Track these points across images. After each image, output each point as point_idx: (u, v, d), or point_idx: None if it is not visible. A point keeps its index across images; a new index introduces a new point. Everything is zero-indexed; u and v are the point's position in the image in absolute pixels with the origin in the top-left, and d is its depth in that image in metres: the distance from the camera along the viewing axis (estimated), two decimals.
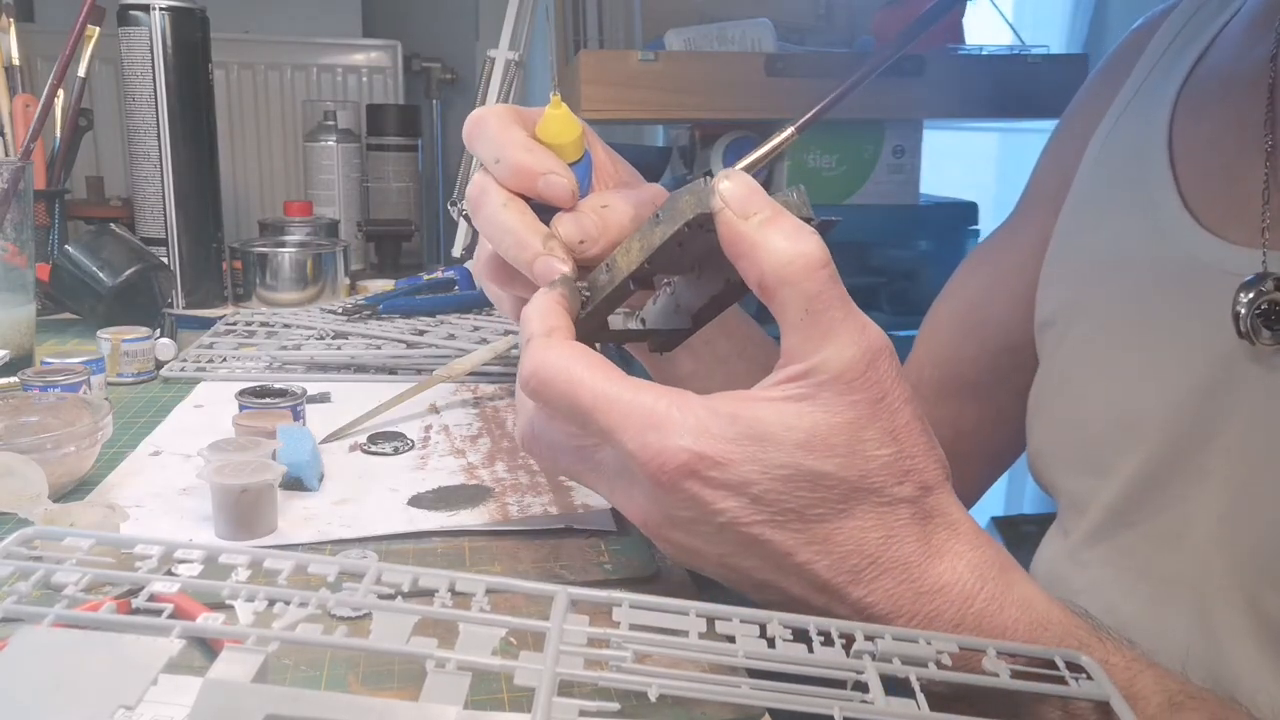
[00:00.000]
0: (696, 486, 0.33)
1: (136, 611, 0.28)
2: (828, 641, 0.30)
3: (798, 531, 0.33)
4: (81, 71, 1.00)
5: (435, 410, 0.68)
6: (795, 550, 0.34)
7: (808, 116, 0.45)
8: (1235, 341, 0.44)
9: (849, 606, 0.34)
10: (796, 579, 0.34)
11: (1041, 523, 0.57)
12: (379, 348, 0.80)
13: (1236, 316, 0.44)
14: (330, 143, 1.34)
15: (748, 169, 0.43)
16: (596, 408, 0.33)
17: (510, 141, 0.40)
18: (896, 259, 1.34)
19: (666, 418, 0.33)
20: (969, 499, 0.73)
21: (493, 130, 0.41)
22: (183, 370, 0.74)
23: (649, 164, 1.45)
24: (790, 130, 0.44)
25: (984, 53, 1.22)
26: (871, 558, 0.34)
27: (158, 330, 0.78)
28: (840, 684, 0.29)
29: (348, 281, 1.07)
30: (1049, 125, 0.66)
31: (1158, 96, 0.53)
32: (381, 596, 0.29)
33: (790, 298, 0.33)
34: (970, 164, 1.86)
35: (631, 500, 0.36)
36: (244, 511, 0.46)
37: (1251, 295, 0.43)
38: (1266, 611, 0.42)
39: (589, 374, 0.34)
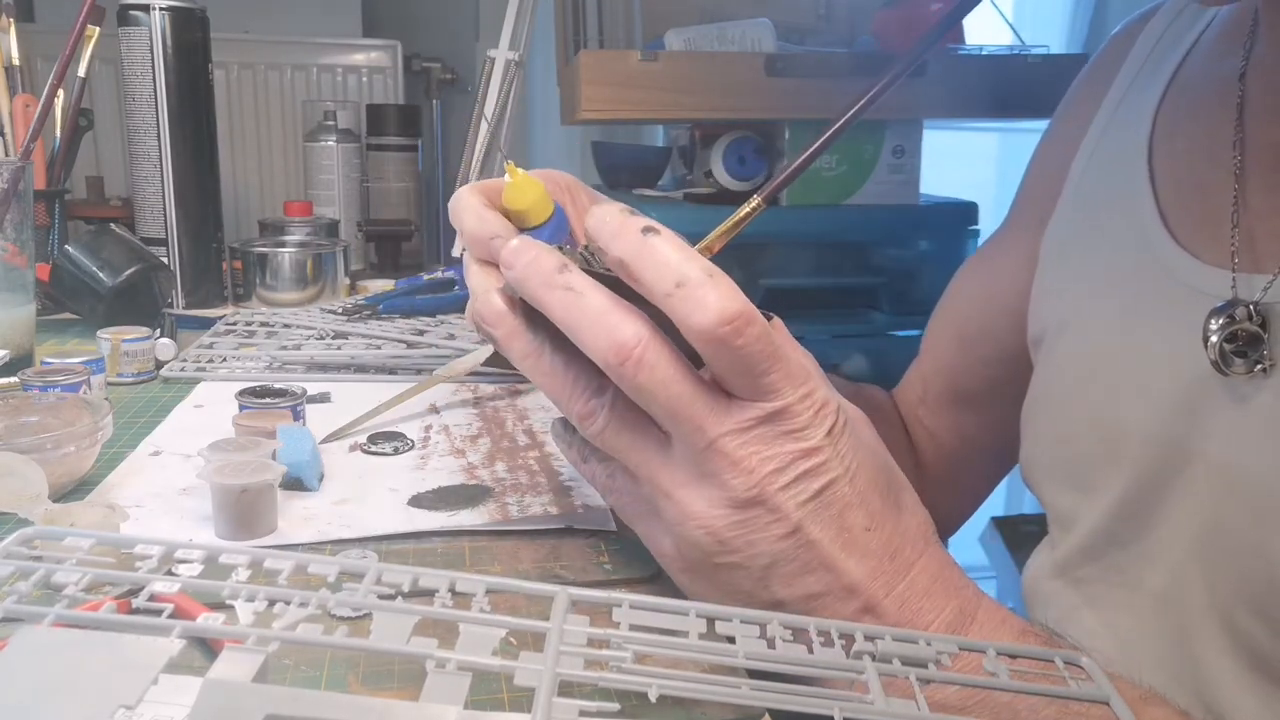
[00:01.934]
0: (847, 438, 0.36)
1: (136, 611, 0.28)
2: (828, 642, 0.30)
3: (880, 507, 0.37)
4: (81, 71, 1.00)
5: (435, 410, 0.68)
6: (878, 523, 0.36)
7: (776, 182, 0.44)
8: (1208, 367, 0.43)
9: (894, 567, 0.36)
10: (859, 559, 0.36)
11: (1042, 523, 0.57)
12: (379, 348, 0.80)
13: (1207, 343, 0.43)
14: (330, 143, 1.34)
15: (722, 236, 0.43)
16: (785, 349, 0.35)
17: (466, 211, 0.42)
18: (896, 259, 1.34)
19: (815, 372, 0.36)
20: (974, 501, 0.74)
21: (458, 205, 0.42)
22: (183, 370, 0.74)
23: (649, 164, 1.45)
24: (757, 200, 0.43)
25: (984, 53, 1.22)
26: (927, 534, 0.38)
27: (158, 330, 0.78)
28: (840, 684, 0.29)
29: (348, 281, 1.07)
30: (1039, 140, 0.66)
31: (1139, 108, 0.53)
32: (381, 596, 0.29)
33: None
34: (970, 164, 1.87)
35: (715, 476, 0.35)
36: (244, 511, 0.46)
37: (1221, 322, 0.43)
38: (1242, 631, 0.43)
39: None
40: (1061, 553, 0.53)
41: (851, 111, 0.44)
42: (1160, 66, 0.54)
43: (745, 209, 0.43)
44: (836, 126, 0.44)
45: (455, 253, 1.10)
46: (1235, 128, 0.47)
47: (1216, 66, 0.50)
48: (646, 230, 0.34)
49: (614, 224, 0.35)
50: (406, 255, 1.38)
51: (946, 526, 0.75)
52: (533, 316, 0.38)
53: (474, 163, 1.08)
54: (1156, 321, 0.47)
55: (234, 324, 0.88)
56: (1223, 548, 0.43)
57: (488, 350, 0.69)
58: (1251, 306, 0.42)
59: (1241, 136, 0.47)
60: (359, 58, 1.55)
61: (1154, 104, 0.52)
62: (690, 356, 0.35)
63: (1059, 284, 0.56)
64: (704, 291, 0.33)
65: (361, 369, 0.76)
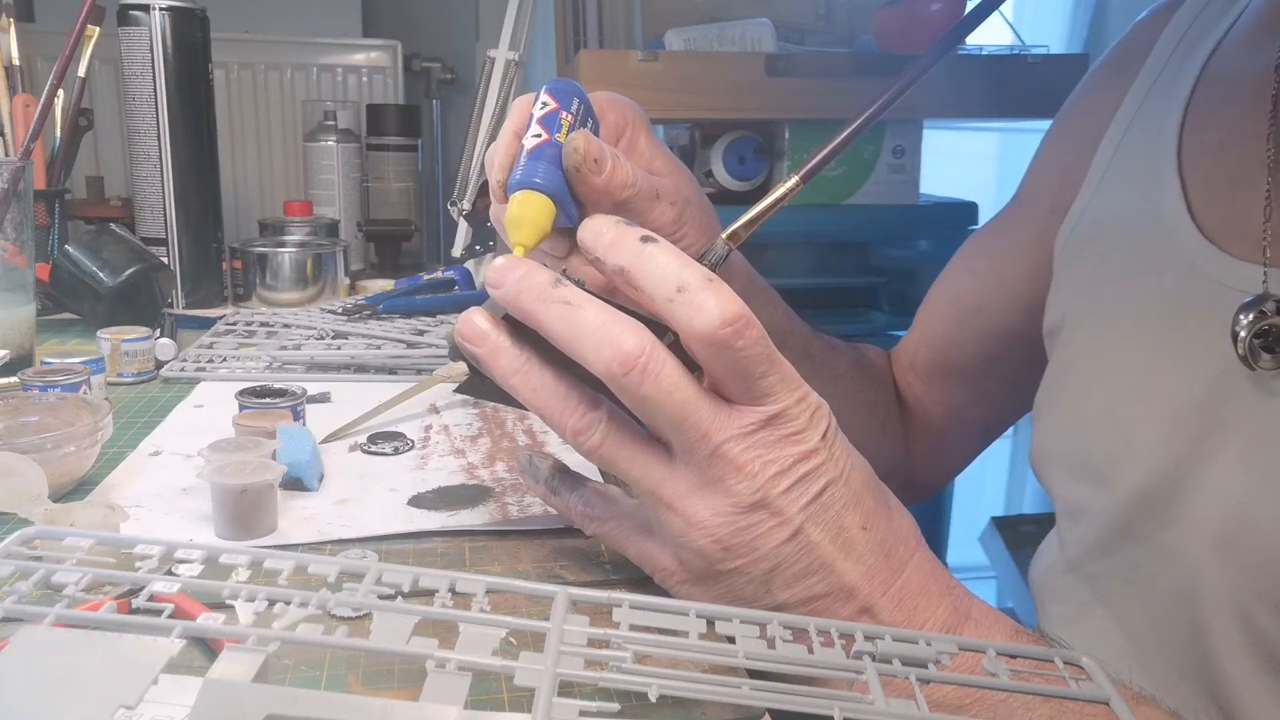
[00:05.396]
0: (840, 441, 0.37)
1: (136, 611, 0.28)
2: (828, 642, 0.30)
3: (873, 508, 0.37)
4: (81, 71, 1.00)
5: (435, 410, 0.68)
6: (873, 523, 0.37)
7: (815, 161, 0.43)
8: (1234, 361, 0.43)
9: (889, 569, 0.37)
10: (857, 559, 0.36)
11: (1041, 523, 0.57)
12: (379, 348, 0.80)
13: (1236, 338, 0.43)
14: (330, 143, 1.34)
15: (751, 223, 0.42)
16: (778, 353, 0.35)
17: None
18: (896, 259, 1.34)
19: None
20: (954, 470, 0.77)
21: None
22: (183, 370, 0.74)
23: None
24: (795, 180, 0.43)
25: (984, 53, 1.22)
26: (916, 534, 0.38)
27: (158, 330, 0.78)
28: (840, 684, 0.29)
29: (348, 281, 1.07)
30: (1049, 125, 0.66)
31: (1168, 100, 0.52)
32: (381, 596, 0.29)
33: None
34: (970, 164, 1.86)
35: (719, 482, 0.35)
36: (244, 511, 0.46)
37: (1252, 317, 0.43)
38: (1261, 629, 0.42)
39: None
40: (1073, 548, 0.53)
41: (896, 88, 0.44)
42: (1190, 57, 0.53)
43: (782, 189, 0.42)
44: (880, 104, 0.44)
45: (456, 252, 1.10)
46: (1270, 120, 0.46)
47: (1250, 58, 0.49)
48: (644, 239, 0.35)
49: (611, 234, 0.36)
50: (406, 255, 1.38)
51: (925, 491, 0.76)
52: (517, 334, 0.37)
53: (474, 163, 1.08)
54: (1179, 315, 0.47)
55: (234, 324, 0.88)
56: (1245, 545, 0.43)
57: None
58: None
59: (1276, 129, 0.46)
60: (359, 58, 1.55)
61: (1184, 96, 0.51)
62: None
63: (1079, 275, 0.55)
64: (705, 296, 0.33)
65: (361, 369, 0.76)
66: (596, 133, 0.44)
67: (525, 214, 0.39)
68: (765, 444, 0.35)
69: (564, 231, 0.42)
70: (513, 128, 0.43)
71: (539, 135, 0.41)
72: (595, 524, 0.41)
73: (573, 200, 0.41)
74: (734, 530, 0.35)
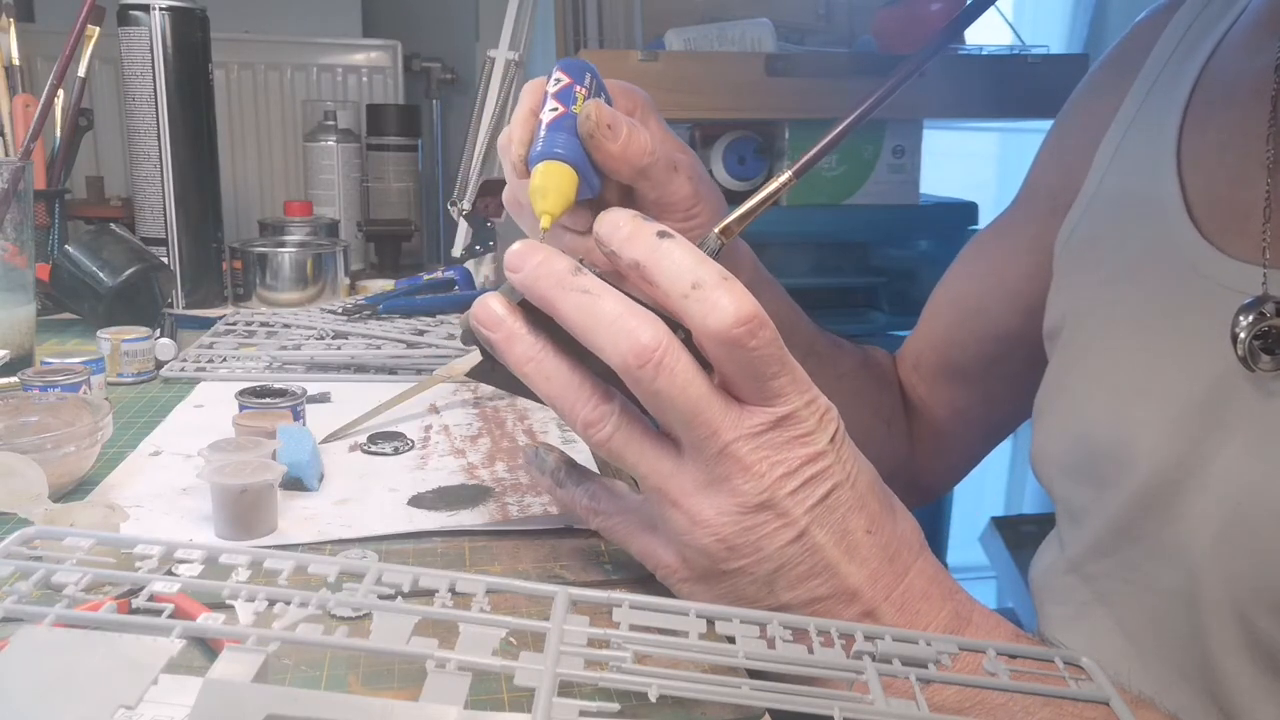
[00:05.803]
0: (848, 444, 0.37)
1: (136, 611, 0.28)
2: (828, 642, 0.30)
3: (878, 512, 0.37)
4: (81, 71, 1.00)
5: (435, 410, 0.68)
6: (878, 527, 0.37)
7: (809, 156, 0.43)
8: (1234, 362, 0.43)
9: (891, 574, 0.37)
10: (861, 562, 0.36)
11: (1041, 523, 0.58)
12: (379, 348, 0.80)
13: (1235, 339, 0.43)
14: (330, 143, 1.34)
15: (744, 217, 0.42)
16: (790, 354, 0.35)
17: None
18: (896, 259, 1.34)
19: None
20: (960, 472, 0.77)
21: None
22: (183, 370, 0.74)
23: None
24: (788, 175, 0.43)
25: (984, 53, 1.22)
26: (920, 539, 0.38)
27: (158, 330, 0.78)
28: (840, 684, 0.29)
29: (348, 281, 1.07)
30: (1049, 125, 0.66)
31: (1168, 100, 0.52)
32: (381, 596, 0.29)
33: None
34: (970, 164, 1.86)
35: (726, 481, 0.35)
36: (244, 511, 0.46)
37: (1251, 319, 0.43)
38: (1260, 630, 0.42)
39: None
40: (1073, 548, 0.53)
41: (891, 83, 0.44)
42: (1189, 58, 0.53)
43: (775, 183, 0.42)
44: (874, 99, 0.44)
45: (456, 252, 1.10)
46: (1269, 120, 0.46)
47: (1250, 59, 0.49)
48: (661, 234, 0.35)
49: (628, 228, 0.35)
50: (406, 255, 1.37)
51: (929, 494, 0.76)
52: (533, 321, 0.37)
53: (474, 163, 1.08)
54: (1179, 316, 0.47)
55: (234, 324, 0.88)
56: (1243, 546, 0.43)
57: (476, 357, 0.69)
58: None
59: (1275, 129, 0.46)
60: (359, 58, 1.55)
61: (1184, 96, 0.51)
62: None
63: (1078, 277, 0.55)
64: (719, 294, 0.33)
65: (361, 369, 0.76)
66: (610, 105, 0.44)
67: (549, 183, 0.40)
68: (774, 445, 0.35)
69: (586, 205, 0.43)
70: (528, 106, 0.43)
71: (555, 109, 0.41)
72: (600, 518, 0.41)
73: (594, 170, 0.42)
74: (739, 530, 0.35)
